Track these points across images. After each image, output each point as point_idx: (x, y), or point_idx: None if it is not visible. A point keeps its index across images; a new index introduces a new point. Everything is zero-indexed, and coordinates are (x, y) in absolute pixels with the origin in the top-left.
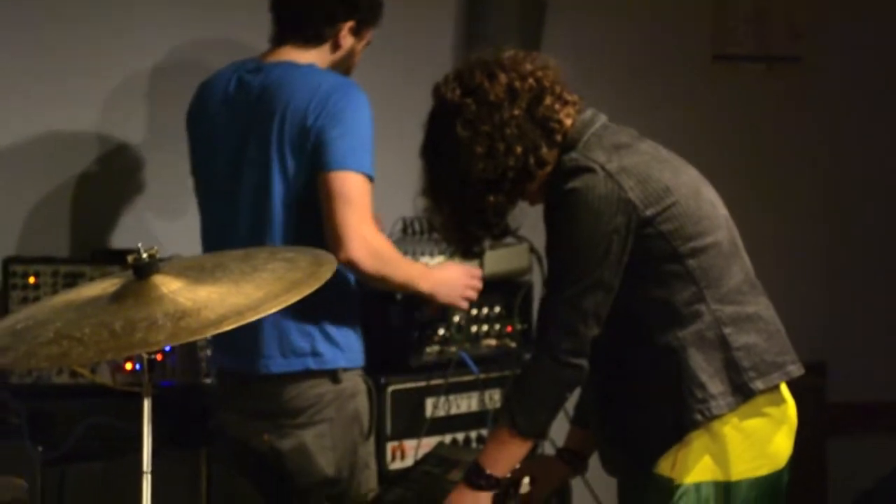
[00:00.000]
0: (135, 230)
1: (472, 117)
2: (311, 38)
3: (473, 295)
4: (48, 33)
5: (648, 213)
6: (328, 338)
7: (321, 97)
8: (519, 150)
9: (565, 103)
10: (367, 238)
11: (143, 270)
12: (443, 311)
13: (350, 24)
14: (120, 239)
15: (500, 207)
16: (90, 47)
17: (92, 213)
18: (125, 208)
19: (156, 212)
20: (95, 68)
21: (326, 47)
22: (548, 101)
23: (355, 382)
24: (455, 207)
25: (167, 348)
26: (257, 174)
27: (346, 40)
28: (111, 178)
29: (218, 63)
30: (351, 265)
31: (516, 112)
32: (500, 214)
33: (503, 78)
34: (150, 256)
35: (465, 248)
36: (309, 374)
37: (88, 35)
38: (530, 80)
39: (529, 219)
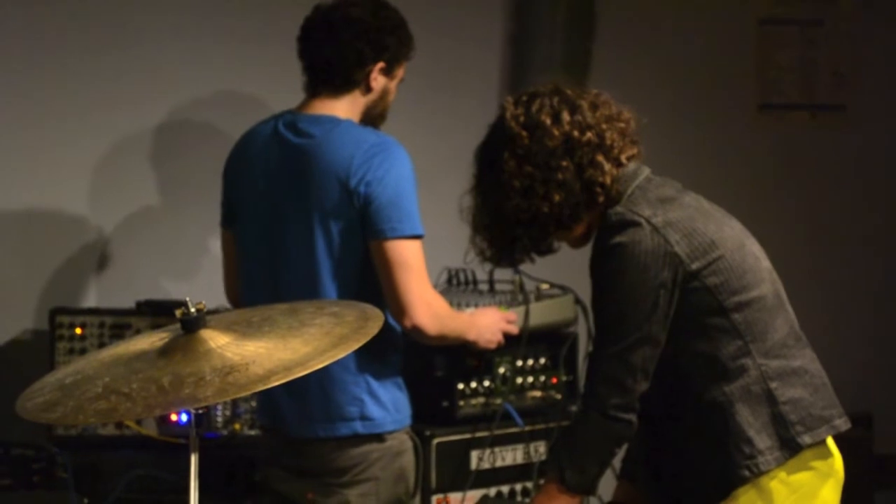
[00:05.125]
0: (179, 281)
1: (522, 152)
2: (341, 85)
3: (501, 338)
4: (78, 76)
5: (694, 266)
6: (377, 400)
7: (362, 159)
8: (557, 198)
9: (618, 165)
10: (430, 303)
11: (191, 325)
12: (487, 361)
13: (380, 65)
14: (163, 290)
15: (532, 241)
16: (120, 93)
17: (135, 265)
18: (170, 259)
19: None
20: (133, 108)
21: (358, 91)
22: (600, 159)
23: (402, 440)
24: (491, 221)
25: None
26: (299, 232)
27: (378, 81)
28: (152, 229)
29: (234, 119)
30: (416, 331)
31: (565, 164)
32: (533, 246)
33: (566, 123)
34: (199, 311)
35: (502, 257)
36: (356, 437)
37: (115, 80)
38: (590, 134)
39: (575, 269)
